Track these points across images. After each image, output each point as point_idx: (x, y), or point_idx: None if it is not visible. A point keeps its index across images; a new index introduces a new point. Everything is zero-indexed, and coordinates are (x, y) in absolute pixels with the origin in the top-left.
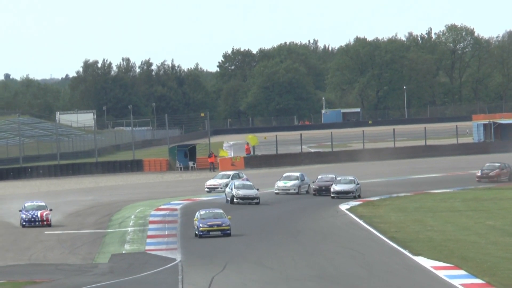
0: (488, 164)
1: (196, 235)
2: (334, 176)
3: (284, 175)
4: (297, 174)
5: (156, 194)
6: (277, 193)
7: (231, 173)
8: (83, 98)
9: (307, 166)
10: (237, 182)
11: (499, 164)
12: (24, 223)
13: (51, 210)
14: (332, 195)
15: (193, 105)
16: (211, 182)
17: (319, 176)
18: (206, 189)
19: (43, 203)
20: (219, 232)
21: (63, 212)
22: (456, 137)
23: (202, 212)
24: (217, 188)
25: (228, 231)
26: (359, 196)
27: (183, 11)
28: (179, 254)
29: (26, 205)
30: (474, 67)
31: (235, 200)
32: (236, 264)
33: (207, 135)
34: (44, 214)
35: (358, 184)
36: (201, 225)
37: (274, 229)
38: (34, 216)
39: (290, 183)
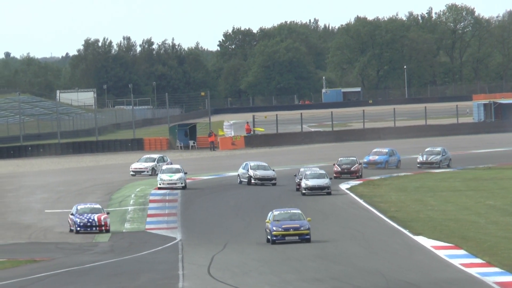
0: (342, 158)
1: (268, 240)
2: (316, 169)
3: (164, 168)
4: (178, 166)
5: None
6: (160, 187)
7: (156, 156)
8: (83, 76)
9: (307, 146)
10: (252, 163)
11: (354, 159)
12: (78, 229)
13: (108, 213)
14: (303, 191)
15: (193, 84)
16: (136, 166)
17: (301, 169)
18: (131, 173)
19: (98, 206)
20: (296, 237)
21: (64, 191)
22: (457, 117)
23: (276, 212)
24: (143, 171)
25: (308, 236)
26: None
27: None
28: (179, 233)
29: (78, 207)
30: (475, 47)
31: (252, 181)
32: (237, 243)
33: (208, 114)
34: (102, 218)
35: (331, 178)
36: (274, 228)
37: (274, 208)
38: (90, 220)
39: (175, 176)
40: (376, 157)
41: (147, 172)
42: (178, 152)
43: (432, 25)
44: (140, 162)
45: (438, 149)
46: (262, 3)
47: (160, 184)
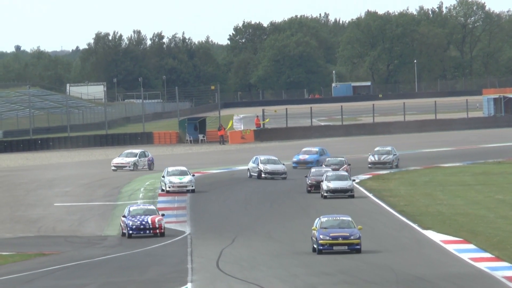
0: (329, 159)
1: (314, 249)
2: (329, 170)
3: (170, 170)
4: (184, 168)
5: (166, 166)
6: (168, 191)
7: (137, 151)
8: (93, 70)
9: (317, 140)
10: (262, 157)
11: (343, 159)
12: (130, 232)
13: (163, 215)
14: (324, 193)
15: (203, 78)
16: (118, 161)
17: (312, 170)
18: (113, 168)
19: (152, 207)
20: (345, 247)
21: (73, 184)
22: (466, 111)
23: (324, 219)
24: (125, 166)
25: (358, 246)
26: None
27: None
28: (189, 227)
29: (130, 209)
30: (485, 42)
31: (262, 175)
32: (245, 237)
33: (217, 108)
34: (156, 220)
35: (354, 180)
36: (321, 236)
37: (283, 202)
38: (143, 222)
39: (185, 179)
40: (307, 156)
41: (129, 167)
42: (188, 146)
43: (443, 19)
44: (122, 157)
45: (388, 148)
46: None
47: (169, 188)
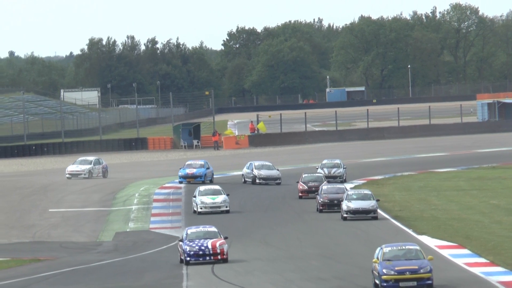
0: (306, 175)
1: (376, 285)
2: (343, 186)
3: (202, 189)
4: (218, 187)
5: (161, 172)
6: (200, 212)
7: (92, 158)
8: (87, 75)
9: (312, 145)
10: (256, 163)
11: (321, 175)
12: (188, 259)
13: (226, 238)
14: (344, 214)
15: (197, 84)
16: (72, 168)
17: (324, 187)
18: (67, 176)
19: (213, 229)
20: (414, 283)
21: (68, 190)
22: (461, 116)
23: (387, 249)
24: (80, 174)
25: (430, 281)
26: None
27: None
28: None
29: (188, 232)
30: (479, 46)
31: (257, 181)
32: (241, 242)
33: (212, 114)
34: (217, 245)
35: (378, 200)
36: (384, 271)
37: (278, 207)
38: (202, 248)
39: (219, 199)
40: (194, 170)
41: (84, 175)
42: (182, 151)
43: (436, 24)
44: (76, 165)
45: (337, 161)
46: (267, 3)
47: (200, 208)
